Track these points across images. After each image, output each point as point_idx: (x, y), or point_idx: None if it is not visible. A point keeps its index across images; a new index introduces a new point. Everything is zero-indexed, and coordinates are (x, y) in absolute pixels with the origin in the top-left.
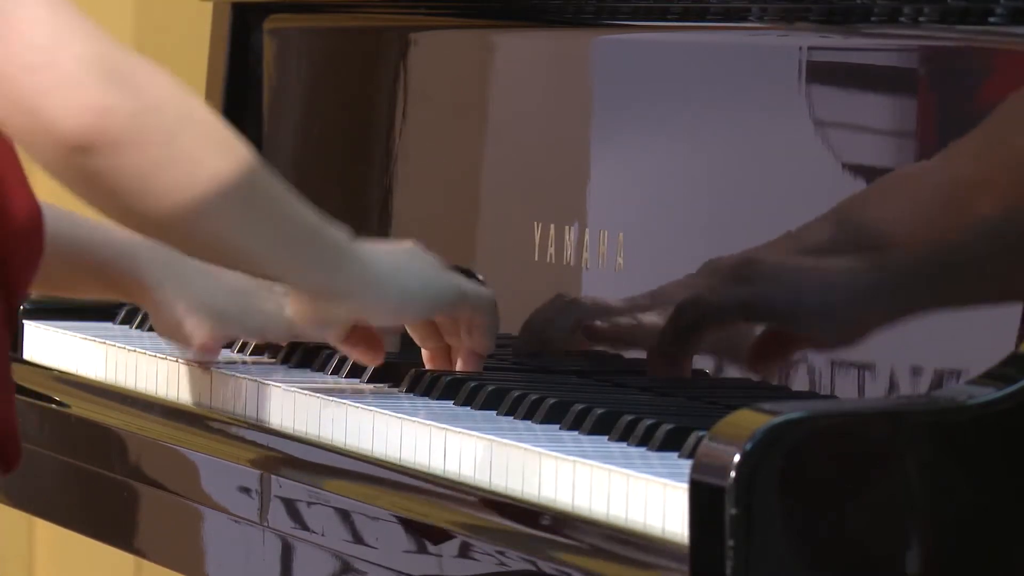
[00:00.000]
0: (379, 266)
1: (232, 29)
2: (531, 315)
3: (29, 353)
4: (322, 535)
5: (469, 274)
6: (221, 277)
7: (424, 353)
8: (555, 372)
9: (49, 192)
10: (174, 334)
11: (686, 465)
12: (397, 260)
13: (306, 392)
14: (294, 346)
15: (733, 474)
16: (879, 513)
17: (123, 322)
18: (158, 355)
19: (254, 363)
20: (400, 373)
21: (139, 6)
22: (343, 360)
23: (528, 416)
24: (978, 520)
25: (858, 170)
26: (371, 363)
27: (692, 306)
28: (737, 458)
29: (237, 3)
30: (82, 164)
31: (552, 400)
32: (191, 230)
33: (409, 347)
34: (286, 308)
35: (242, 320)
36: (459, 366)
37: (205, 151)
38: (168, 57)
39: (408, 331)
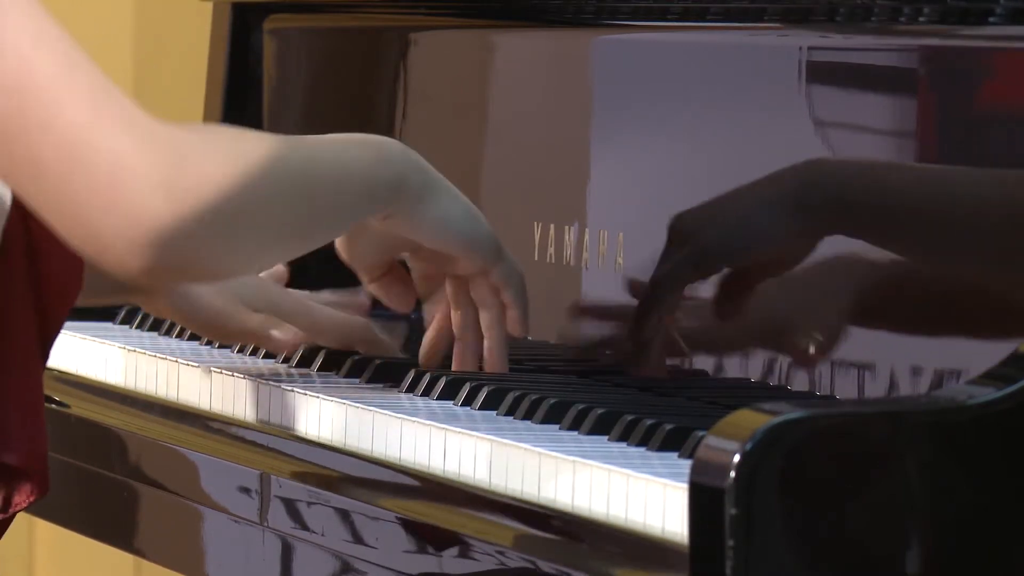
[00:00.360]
0: (434, 185)
1: (232, 29)
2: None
3: None
4: (322, 535)
5: None
6: None
7: (434, 323)
8: (555, 372)
9: None
10: (220, 326)
11: (686, 465)
12: (451, 188)
13: (305, 392)
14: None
15: (733, 474)
16: (879, 513)
17: (123, 322)
18: (158, 355)
19: (253, 363)
20: (400, 373)
21: (139, 6)
22: (343, 360)
23: (528, 416)
24: (978, 520)
25: (858, 169)
26: (402, 309)
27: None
28: (737, 458)
29: (237, 3)
30: (144, 280)
31: (552, 400)
32: (258, 271)
33: (408, 347)
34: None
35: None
36: (485, 357)
37: (265, 218)
38: (168, 57)
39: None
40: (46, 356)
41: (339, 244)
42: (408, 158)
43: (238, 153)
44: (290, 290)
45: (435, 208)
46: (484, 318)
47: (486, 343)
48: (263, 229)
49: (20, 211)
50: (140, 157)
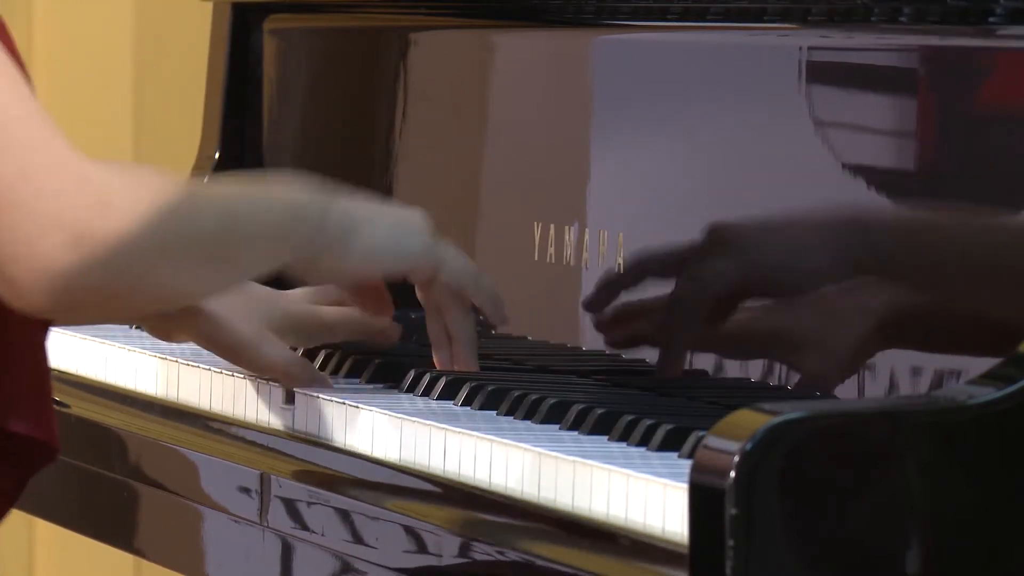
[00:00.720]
0: (351, 221)
1: (232, 29)
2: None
3: None
4: (322, 535)
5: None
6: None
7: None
8: (555, 372)
9: None
10: (244, 358)
11: (686, 465)
12: (369, 213)
13: (305, 392)
14: (294, 348)
15: (733, 474)
16: (879, 513)
17: None
18: (158, 355)
19: None
20: (400, 373)
21: (139, 6)
22: (343, 360)
23: (528, 416)
24: (978, 520)
25: (858, 170)
26: (381, 315)
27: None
28: (737, 458)
29: (237, 3)
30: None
31: (552, 400)
32: (173, 306)
33: (408, 346)
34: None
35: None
36: (455, 361)
37: (175, 260)
38: (168, 57)
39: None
40: (48, 324)
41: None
42: (323, 202)
43: (153, 205)
44: (291, 294)
45: (358, 243)
46: (447, 321)
47: (452, 346)
48: (170, 280)
49: None
50: (50, 204)
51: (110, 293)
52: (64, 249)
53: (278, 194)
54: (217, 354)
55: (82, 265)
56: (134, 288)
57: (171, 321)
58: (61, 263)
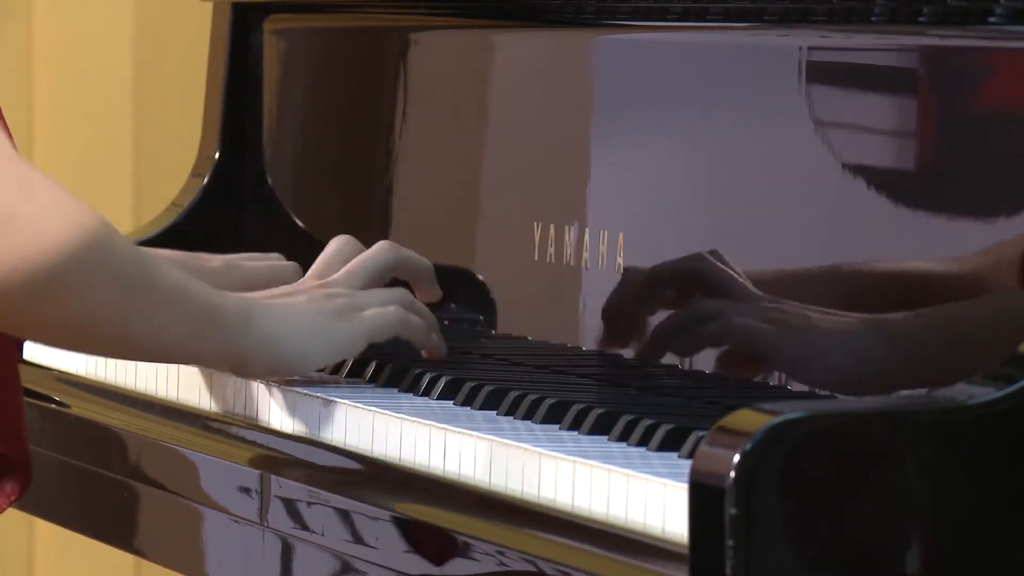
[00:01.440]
0: (270, 327)
1: (232, 29)
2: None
3: (29, 353)
4: (322, 535)
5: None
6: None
7: None
8: (555, 372)
9: None
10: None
11: (686, 465)
12: (290, 316)
13: (306, 392)
14: None
15: (733, 474)
16: (879, 513)
17: None
18: None
19: None
20: (400, 373)
21: (139, 6)
22: (343, 360)
23: (528, 416)
24: (978, 520)
25: (858, 170)
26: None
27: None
28: (737, 458)
29: (237, 3)
30: None
31: (552, 400)
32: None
33: (409, 347)
34: None
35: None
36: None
37: (84, 290)
38: (168, 57)
39: None
40: (20, 345)
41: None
42: (251, 306)
43: (74, 214)
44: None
45: (288, 344)
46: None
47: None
48: (80, 294)
49: None
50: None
51: (30, 294)
52: None
53: (198, 283)
54: None
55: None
56: (44, 293)
57: None
58: None
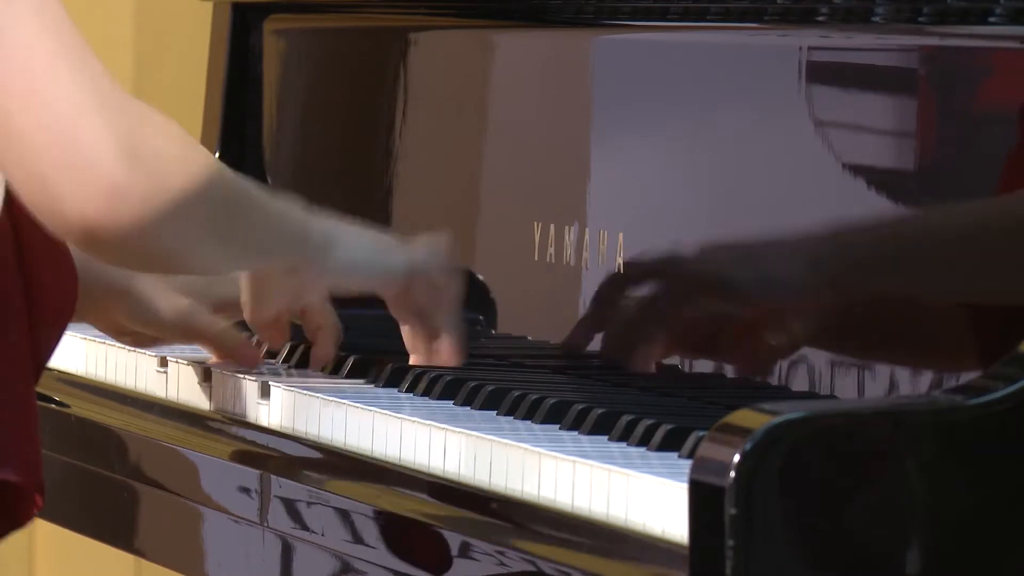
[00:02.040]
0: (332, 238)
1: (232, 29)
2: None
3: None
4: (322, 535)
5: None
6: None
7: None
8: (555, 372)
9: None
10: (185, 325)
11: (686, 465)
12: (347, 233)
13: (306, 392)
14: (294, 347)
15: (733, 474)
16: (879, 513)
17: None
18: (158, 355)
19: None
20: (400, 373)
21: (139, 6)
22: (344, 360)
23: (528, 416)
24: (978, 520)
25: (858, 170)
26: (276, 346)
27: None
28: (737, 458)
29: (237, 3)
30: (89, 242)
31: (552, 400)
32: (183, 267)
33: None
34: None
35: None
36: (446, 357)
37: (205, 213)
38: (168, 57)
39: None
40: (38, 376)
41: (243, 294)
42: (307, 215)
43: (188, 145)
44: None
45: (337, 258)
46: (435, 321)
47: (442, 342)
48: (196, 220)
49: (14, 237)
50: (101, 117)
51: (149, 217)
52: (116, 159)
53: (273, 199)
54: (158, 332)
55: (130, 176)
56: (169, 217)
57: (100, 305)
58: (109, 169)
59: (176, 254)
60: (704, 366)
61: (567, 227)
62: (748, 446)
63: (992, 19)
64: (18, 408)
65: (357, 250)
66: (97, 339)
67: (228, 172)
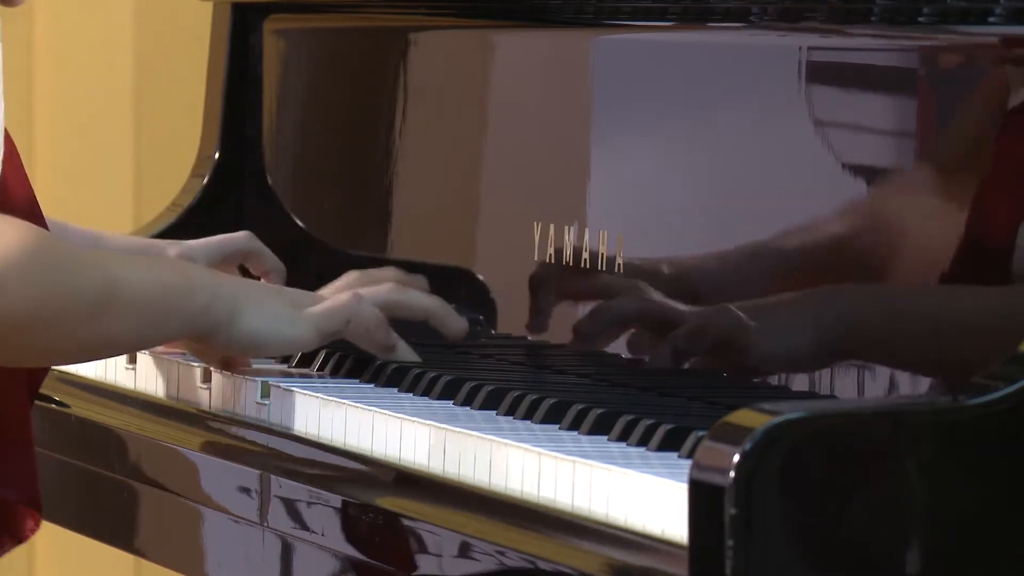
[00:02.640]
0: (236, 309)
1: (232, 29)
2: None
3: None
4: (322, 535)
5: (461, 276)
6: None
7: None
8: (555, 372)
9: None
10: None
11: (686, 465)
12: (261, 301)
13: (306, 392)
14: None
15: (733, 474)
16: (879, 513)
17: None
18: (158, 355)
19: (254, 363)
20: (400, 373)
21: (139, 6)
22: (343, 360)
23: (528, 416)
24: (978, 520)
25: (858, 170)
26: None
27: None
28: (737, 458)
29: (237, 3)
30: None
31: (552, 400)
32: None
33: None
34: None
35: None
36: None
37: (50, 312)
38: (168, 57)
39: None
40: (33, 396)
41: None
42: (213, 284)
43: (41, 264)
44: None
45: (242, 328)
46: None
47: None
48: (53, 335)
49: None
50: None
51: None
52: None
53: (166, 270)
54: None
55: None
56: (3, 327)
57: None
58: None
59: (34, 350)
60: (704, 366)
61: (567, 227)
62: (748, 446)
63: (992, 19)
64: (15, 428)
65: (261, 319)
66: None
67: (100, 272)
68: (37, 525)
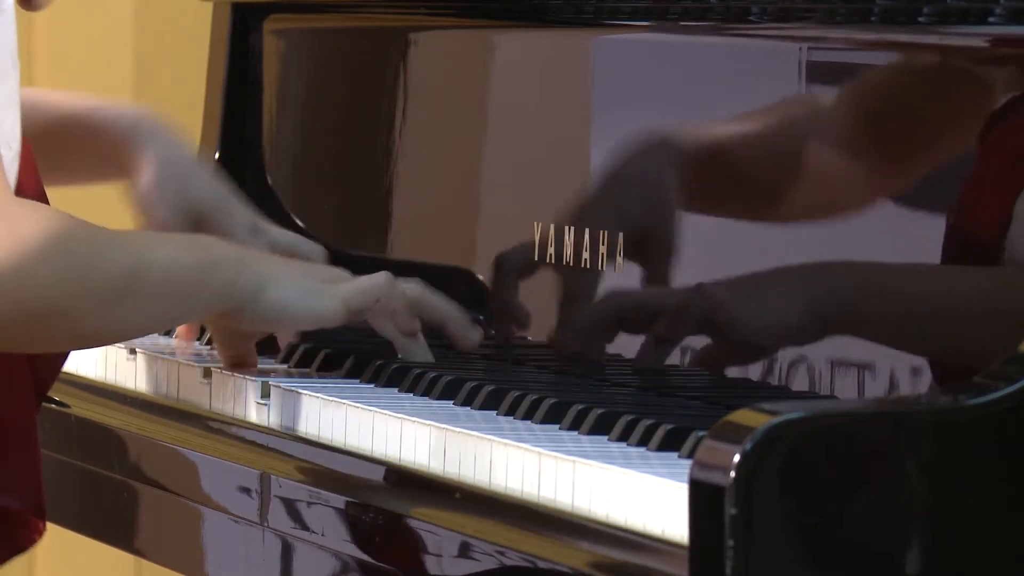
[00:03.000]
0: (267, 278)
1: (232, 29)
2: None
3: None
4: (322, 535)
5: (457, 275)
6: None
7: None
8: (555, 372)
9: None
10: (143, 210)
11: (686, 465)
12: (285, 273)
13: (306, 392)
14: (294, 347)
15: (733, 474)
16: (879, 513)
17: None
18: (158, 355)
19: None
20: (400, 373)
21: (139, 6)
22: (343, 360)
23: (528, 416)
24: (978, 520)
25: (858, 170)
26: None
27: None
28: (737, 458)
29: (237, 3)
30: None
31: (552, 400)
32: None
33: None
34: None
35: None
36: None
37: (77, 293)
38: (168, 57)
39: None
40: (39, 404)
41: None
42: (239, 259)
43: (66, 248)
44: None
45: (269, 300)
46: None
47: (446, 328)
48: (82, 320)
49: None
50: None
51: (12, 316)
52: None
53: (192, 248)
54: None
55: None
56: (31, 313)
57: None
58: None
59: (61, 335)
60: (704, 365)
61: (567, 227)
62: (748, 446)
63: (992, 19)
64: (21, 435)
65: (288, 291)
66: None
67: (124, 252)
68: (40, 535)
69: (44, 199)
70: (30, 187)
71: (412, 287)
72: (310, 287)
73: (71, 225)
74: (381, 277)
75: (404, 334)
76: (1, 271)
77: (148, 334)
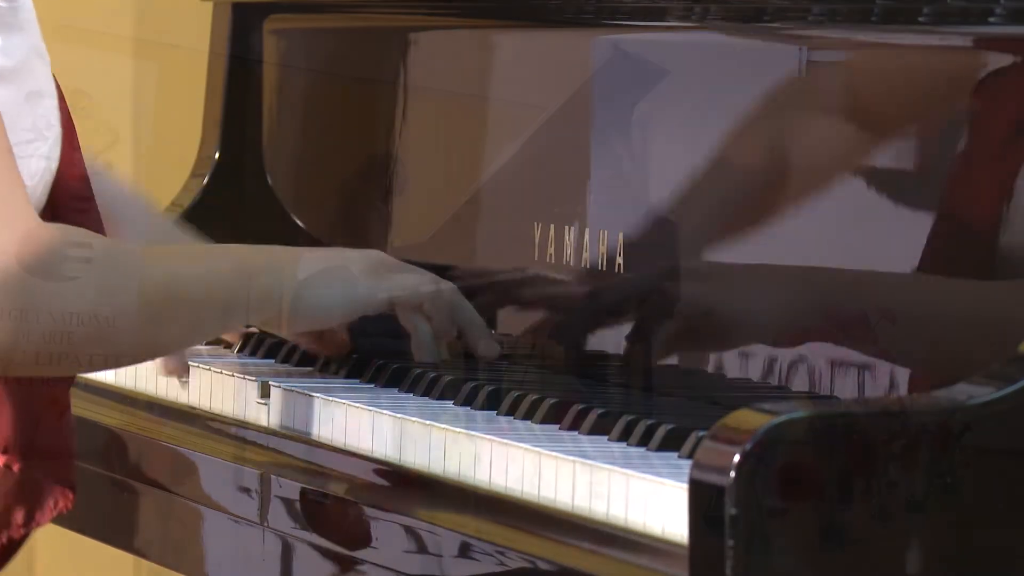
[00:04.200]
0: (302, 282)
1: (232, 29)
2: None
3: None
4: (322, 535)
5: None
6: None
7: None
8: (555, 372)
9: None
10: None
11: (686, 465)
12: (319, 273)
13: (306, 392)
14: (294, 346)
15: (733, 474)
16: (879, 513)
17: None
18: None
19: (255, 364)
20: (400, 373)
21: (139, 6)
22: (344, 361)
23: (528, 416)
24: (978, 520)
25: (858, 170)
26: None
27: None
28: (737, 458)
29: (237, 3)
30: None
31: (552, 400)
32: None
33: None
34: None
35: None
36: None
37: (117, 332)
38: (168, 57)
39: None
40: (73, 377)
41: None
42: (271, 267)
43: (99, 271)
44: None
45: (308, 303)
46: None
47: (466, 336)
48: (115, 341)
49: None
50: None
51: (47, 338)
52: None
53: (226, 259)
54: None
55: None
56: (71, 339)
57: None
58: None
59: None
60: (704, 366)
61: (567, 227)
62: (748, 446)
63: (992, 19)
64: (53, 405)
65: (324, 294)
66: None
67: (159, 270)
68: (68, 506)
69: (87, 185)
70: (72, 175)
71: (451, 293)
72: (349, 281)
73: (99, 247)
74: (430, 283)
75: (438, 335)
76: (36, 297)
77: (187, 347)
